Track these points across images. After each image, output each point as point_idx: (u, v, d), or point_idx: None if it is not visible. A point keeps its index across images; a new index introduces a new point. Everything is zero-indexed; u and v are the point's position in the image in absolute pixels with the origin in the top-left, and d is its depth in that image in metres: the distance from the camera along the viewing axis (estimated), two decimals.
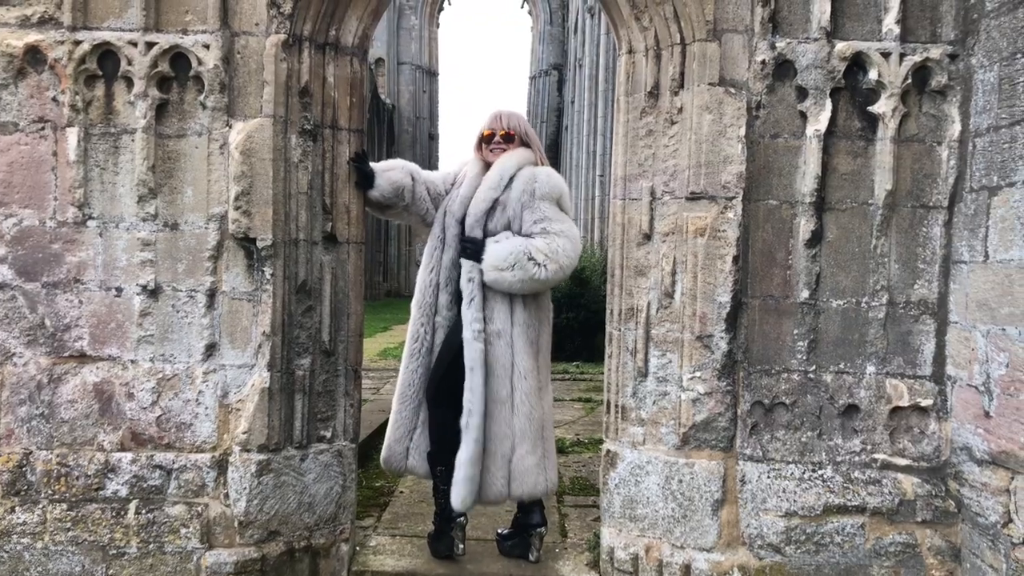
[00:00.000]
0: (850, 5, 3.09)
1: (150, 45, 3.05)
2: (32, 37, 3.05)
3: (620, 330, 3.29)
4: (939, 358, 3.15)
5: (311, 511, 3.22)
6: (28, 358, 3.13)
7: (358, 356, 3.38)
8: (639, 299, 3.24)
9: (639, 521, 3.21)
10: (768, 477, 3.14)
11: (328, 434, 3.28)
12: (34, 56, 3.07)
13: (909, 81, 3.07)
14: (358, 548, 3.52)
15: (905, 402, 3.14)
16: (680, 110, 3.16)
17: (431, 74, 28.38)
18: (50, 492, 3.09)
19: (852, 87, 3.11)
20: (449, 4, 28.50)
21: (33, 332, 3.12)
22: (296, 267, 3.18)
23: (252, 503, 3.08)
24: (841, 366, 3.16)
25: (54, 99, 3.09)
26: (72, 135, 3.07)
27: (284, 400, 3.16)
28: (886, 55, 3.07)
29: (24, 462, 3.10)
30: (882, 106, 3.08)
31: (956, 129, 3.09)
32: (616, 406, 3.30)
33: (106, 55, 3.07)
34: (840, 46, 3.07)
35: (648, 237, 3.22)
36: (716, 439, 3.14)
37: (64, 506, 3.08)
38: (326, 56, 3.21)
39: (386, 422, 5.60)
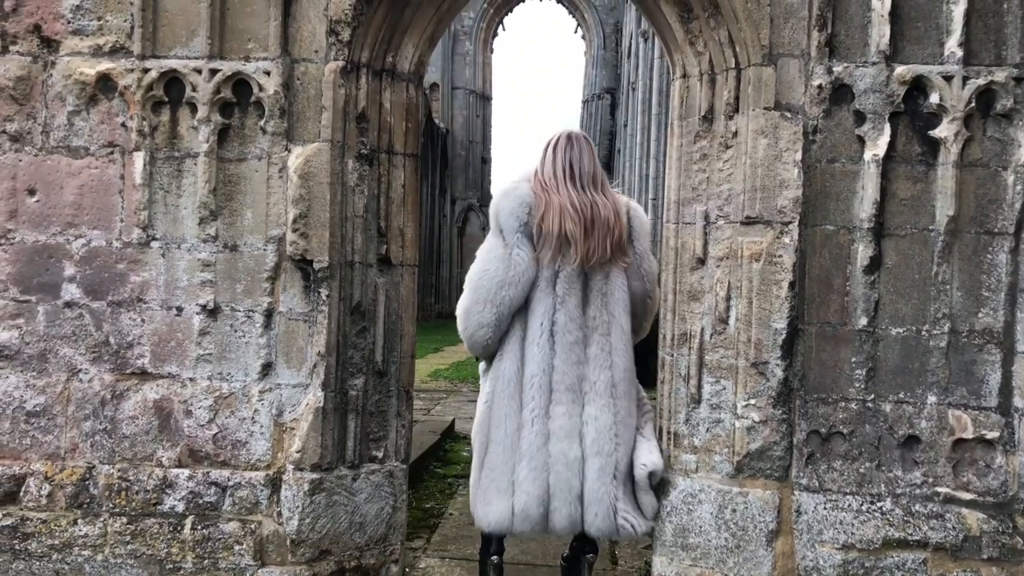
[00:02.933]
0: (910, 28, 3.04)
1: (214, 72, 3.14)
2: (104, 66, 3.18)
3: (673, 355, 3.26)
4: (1006, 389, 3.04)
5: (362, 531, 3.24)
6: (93, 374, 3.22)
7: (410, 377, 3.41)
8: (692, 324, 3.20)
9: (691, 551, 3.15)
10: (824, 508, 3.06)
11: (380, 454, 3.30)
12: (105, 84, 3.19)
13: (972, 105, 3.01)
14: (407, 569, 3.53)
15: (969, 434, 3.05)
16: (735, 134, 3.14)
17: (485, 98, 28.65)
18: (111, 506, 3.17)
19: (912, 111, 3.06)
20: (503, 30, 28.79)
21: (98, 349, 3.22)
22: (351, 289, 3.22)
23: (304, 522, 3.12)
24: (901, 395, 3.08)
25: (123, 124, 3.20)
26: (139, 159, 3.18)
27: (337, 420, 3.20)
28: (948, 79, 3.01)
29: (87, 476, 3.19)
30: (944, 130, 3.02)
31: (1023, 153, 3.01)
32: (668, 432, 3.26)
33: (172, 82, 3.18)
34: (900, 70, 3.02)
35: (702, 261, 3.19)
36: (771, 468, 3.08)
37: (124, 520, 3.15)
38: (383, 82, 3.28)
39: (436, 444, 5.64)
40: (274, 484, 3.16)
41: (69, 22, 3.20)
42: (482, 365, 3.25)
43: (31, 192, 3.23)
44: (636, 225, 3.22)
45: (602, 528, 3.05)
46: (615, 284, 3.26)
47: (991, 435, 3.04)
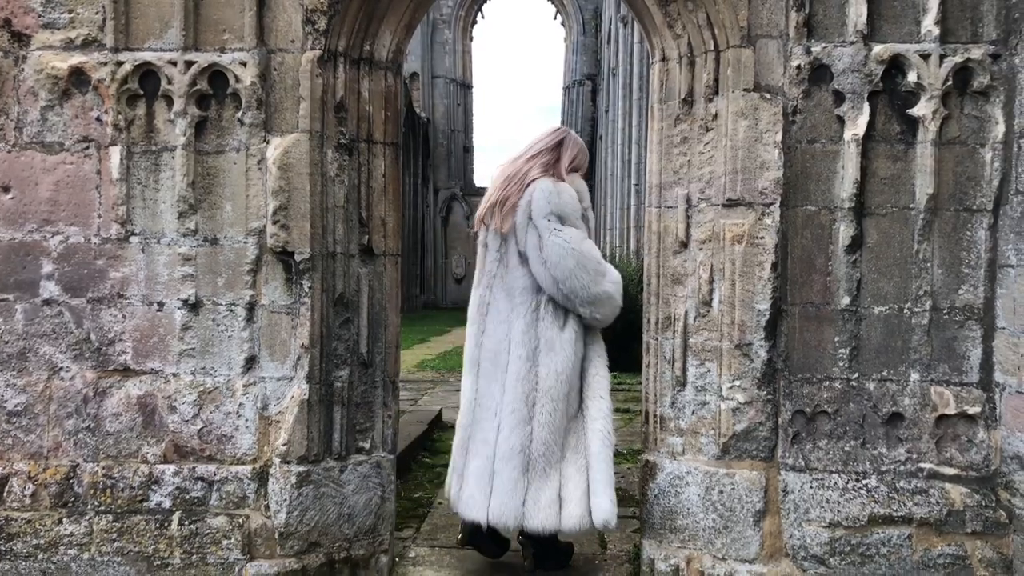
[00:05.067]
0: (887, 7, 3.05)
1: (189, 64, 3.11)
2: (76, 59, 3.13)
3: (657, 339, 3.26)
4: (986, 365, 3.07)
5: (350, 522, 3.23)
6: (75, 372, 3.19)
7: (395, 367, 3.40)
8: (676, 308, 3.21)
9: (679, 532, 3.17)
10: (811, 487, 3.08)
11: (367, 445, 3.30)
12: (78, 77, 3.15)
13: (950, 83, 3.02)
14: (397, 559, 3.53)
15: (951, 410, 3.07)
16: (715, 117, 3.14)
17: (465, 87, 28.53)
18: (96, 504, 3.14)
19: (890, 90, 3.07)
20: (482, 18, 28.66)
21: (79, 347, 3.19)
22: (334, 280, 3.21)
23: (292, 514, 3.11)
24: (884, 373, 3.10)
25: (98, 119, 3.16)
26: (115, 153, 3.14)
27: (323, 412, 3.19)
28: (925, 57, 3.02)
29: (71, 474, 3.17)
30: (922, 108, 3.03)
31: (1000, 130, 3.03)
32: (654, 416, 3.27)
33: (147, 75, 3.14)
34: (877, 49, 3.03)
35: (684, 245, 3.20)
36: (757, 449, 3.10)
37: (110, 517, 3.13)
38: (360, 71, 3.25)
39: (423, 434, 5.63)
40: (261, 478, 3.15)
41: (39, 15, 3.15)
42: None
43: (5, 189, 3.18)
44: (532, 202, 3.20)
45: (502, 515, 3.18)
46: (516, 263, 3.30)
47: (973, 410, 3.07)
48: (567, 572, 3.42)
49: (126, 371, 3.20)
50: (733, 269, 3.09)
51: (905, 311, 3.09)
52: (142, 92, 3.15)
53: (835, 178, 3.09)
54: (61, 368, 3.19)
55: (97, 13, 3.12)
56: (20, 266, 3.19)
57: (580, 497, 3.15)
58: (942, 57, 3.01)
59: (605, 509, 3.12)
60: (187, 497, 3.14)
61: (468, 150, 28.83)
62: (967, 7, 3.04)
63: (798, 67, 3.05)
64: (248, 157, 3.15)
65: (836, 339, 3.10)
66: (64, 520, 3.14)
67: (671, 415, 3.22)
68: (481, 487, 3.22)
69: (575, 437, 3.23)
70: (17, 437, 3.19)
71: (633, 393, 7.67)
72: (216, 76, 3.13)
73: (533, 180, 3.24)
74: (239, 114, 3.14)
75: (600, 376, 3.28)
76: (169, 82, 3.11)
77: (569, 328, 3.23)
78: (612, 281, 3.26)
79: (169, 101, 3.13)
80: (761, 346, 3.08)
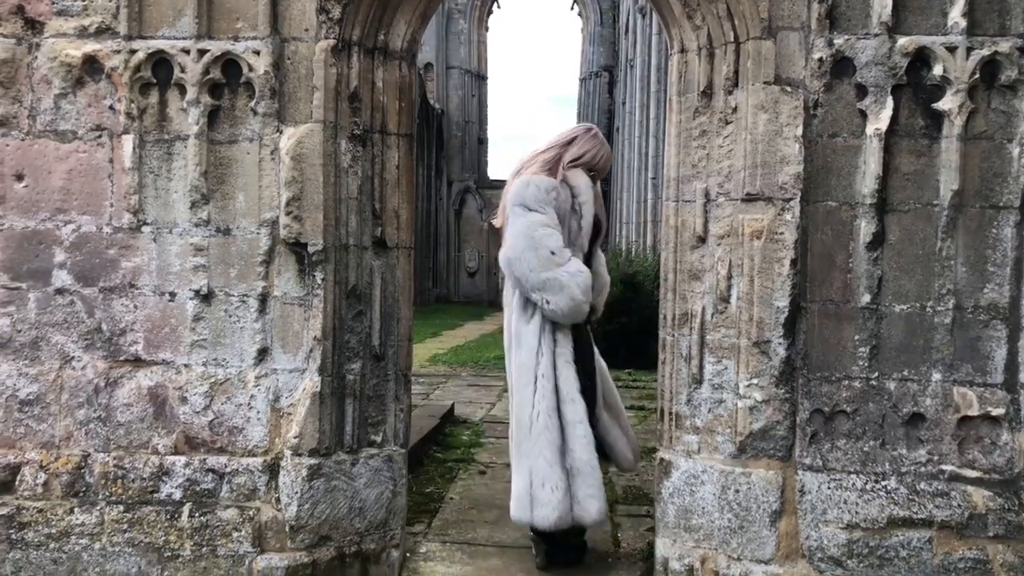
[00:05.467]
0: None
1: (202, 52, 3.08)
2: (90, 47, 3.11)
3: (674, 336, 3.22)
4: (1011, 365, 3.01)
5: (362, 516, 3.21)
6: (86, 362, 3.18)
7: (408, 361, 3.37)
8: (693, 304, 3.16)
9: (694, 532, 3.13)
10: (828, 487, 3.03)
11: (378, 439, 3.27)
12: (92, 65, 3.13)
13: (977, 76, 2.95)
14: (408, 554, 3.50)
15: (974, 411, 3.01)
16: (734, 110, 3.08)
17: (480, 78, 28.44)
18: (107, 494, 3.13)
19: (915, 84, 3.00)
20: (498, 7, 28.54)
21: (91, 336, 3.18)
22: (346, 272, 3.18)
23: (303, 507, 3.09)
24: (905, 373, 3.04)
25: (110, 107, 3.14)
26: (128, 142, 3.12)
27: (335, 404, 3.16)
28: (952, 49, 2.94)
29: (82, 464, 3.16)
30: (948, 103, 2.96)
31: None
32: (670, 414, 3.23)
33: (160, 63, 3.11)
34: (902, 41, 2.96)
35: (702, 240, 3.14)
36: (774, 448, 3.05)
37: (121, 508, 3.12)
38: (375, 61, 3.21)
39: (435, 428, 5.61)
40: (272, 470, 3.13)
41: (53, 3, 3.13)
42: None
43: (19, 177, 3.17)
44: (509, 196, 3.33)
45: None
46: None
47: (997, 412, 3.00)
48: (579, 570, 3.39)
49: (137, 361, 3.18)
50: (752, 265, 3.04)
51: (927, 310, 3.03)
52: (155, 80, 3.12)
53: (857, 173, 3.03)
54: (73, 358, 3.18)
55: (111, 1, 3.10)
56: (33, 255, 3.18)
57: (560, 499, 3.19)
58: (969, 50, 2.94)
59: (599, 510, 3.25)
60: (197, 489, 3.13)
61: (483, 142, 28.74)
62: None
63: (820, 60, 2.99)
64: (261, 147, 3.12)
65: (856, 337, 3.04)
66: (75, 510, 3.13)
67: (687, 413, 3.17)
68: None
69: (554, 434, 3.23)
70: (29, 426, 3.19)
71: (648, 390, 7.62)
72: (229, 65, 3.10)
73: None
74: (252, 103, 3.11)
75: (565, 377, 3.28)
76: (182, 70, 3.08)
77: (535, 320, 3.29)
78: (568, 272, 3.23)
79: (182, 90, 3.11)
80: (779, 344, 3.02)
